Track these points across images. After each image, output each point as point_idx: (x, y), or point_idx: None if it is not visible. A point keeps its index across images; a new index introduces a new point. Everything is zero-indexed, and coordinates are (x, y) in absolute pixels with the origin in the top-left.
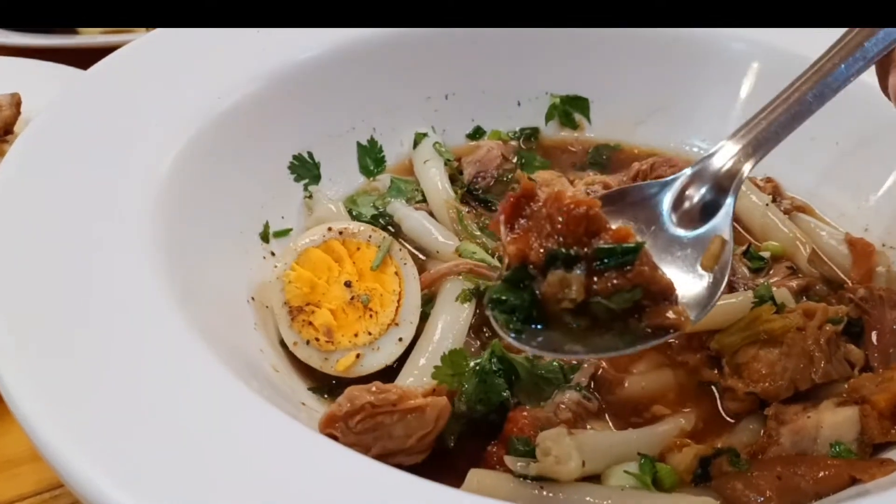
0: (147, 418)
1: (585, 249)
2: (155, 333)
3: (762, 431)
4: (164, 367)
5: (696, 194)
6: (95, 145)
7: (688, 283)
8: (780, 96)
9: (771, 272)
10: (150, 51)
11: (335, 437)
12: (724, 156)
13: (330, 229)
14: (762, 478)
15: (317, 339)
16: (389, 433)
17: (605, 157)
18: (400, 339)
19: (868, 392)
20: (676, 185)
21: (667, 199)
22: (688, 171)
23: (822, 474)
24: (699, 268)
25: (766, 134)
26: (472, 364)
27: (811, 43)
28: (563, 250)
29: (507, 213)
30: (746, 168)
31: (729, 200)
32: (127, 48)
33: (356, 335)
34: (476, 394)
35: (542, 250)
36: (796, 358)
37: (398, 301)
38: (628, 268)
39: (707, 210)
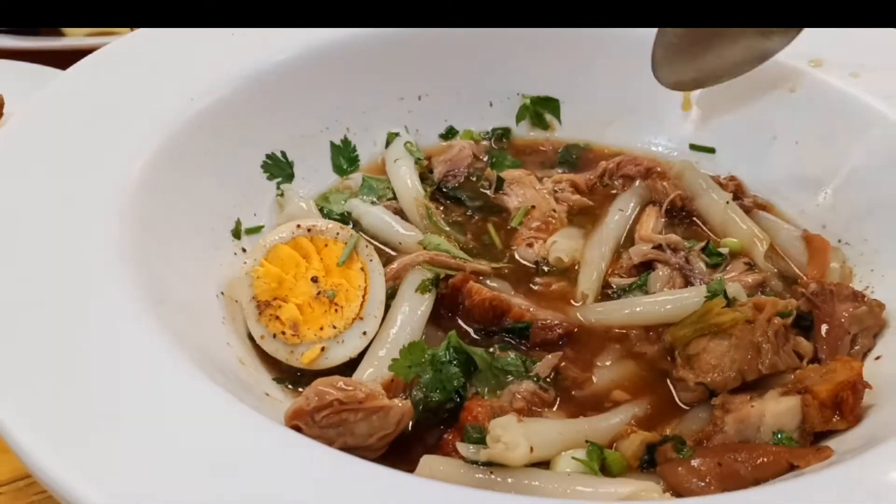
0: (114, 413)
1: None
2: (123, 328)
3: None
4: (130, 362)
5: None
6: (70, 145)
7: None
8: None
9: (728, 268)
10: (126, 52)
11: (299, 429)
12: None
13: (299, 226)
14: (703, 464)
15: (283, 333)
16: (352, 430)
17: (574, 157)
18: (364, 333)
19: (811, 382)
20: None
21: None
22: None
23: (761, 461)
24: None
25: None
26: (428, 354)
27: None
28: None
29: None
30: None
31: None
32: (104, 50)
33: (321, 329)
34: (432, 383)
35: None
36: (744, 350)
37: (363, 296)
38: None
39: None
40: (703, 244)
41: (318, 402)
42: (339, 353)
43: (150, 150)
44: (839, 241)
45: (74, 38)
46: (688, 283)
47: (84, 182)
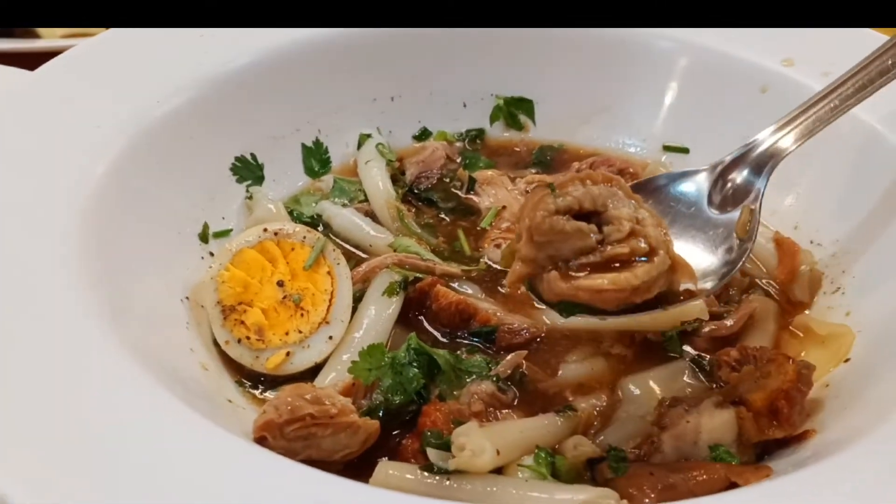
0: (66, 433)
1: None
2: (79, 340)
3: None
4: (86, 377)
5: (735, 178)
6: (30, 147)
7: (718, 254)
8: (821, 92)
9: None
10: (93, 54)
11: (265, 440)
12: (761, 145)
13: (265, 230)
14: (642, 482)
15: (248, 338)
16: (319, 445)
17: (548, 158)
18: (330, 338)
19: (746, 389)
20: (717, 171)
21: (706, 185)
22: (727, 159)
23: (699, 478)
24: (734, 237)
25: (800, 128)
26: (388, 356)
27: (733, 40)
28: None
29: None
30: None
31: (759, 184)
32: (71, 51)
33: (287, 333)
34: (392, 386)
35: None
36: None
37: (330, 300)
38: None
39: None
40: None
41: (289, 416)
42: (305, 358)
43: (113, 152)
44: (811, 241)
45: (49, 39)
46: None
47: (43, 186)
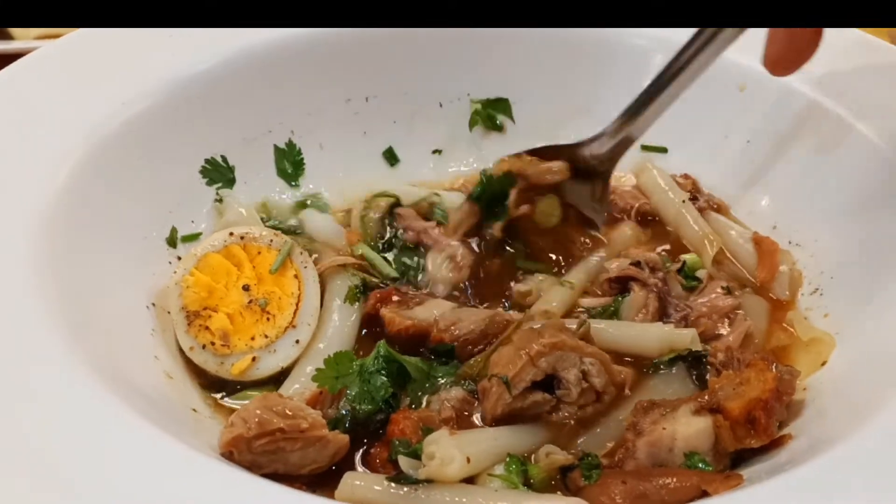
0: (13, 444)
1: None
2: (34, 353)
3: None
4: (36, 383)
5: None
6: None
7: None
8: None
9: (704, 290)
10: (58, 55)
11: (231, 455)
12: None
13: (231, 234)
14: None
15: (213, 344)
16: (286, 459)
17: None
18: (297, 342)
19: (724, 397)
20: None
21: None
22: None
23: (671, 485)
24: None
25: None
26: (356, 364)
27: None
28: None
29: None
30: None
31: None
32: (35, 53)
33: (253, 338)
34: (360, 395)
35: None
36: (523, 344)
37: (297, 304)
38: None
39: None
40: (678, 265)
41: (259, 430)
42: (271, 363)
43: (77, 156)
44: (790, 242)
45: (23, 41)
46: (663, 308)
47: (2, 188)
